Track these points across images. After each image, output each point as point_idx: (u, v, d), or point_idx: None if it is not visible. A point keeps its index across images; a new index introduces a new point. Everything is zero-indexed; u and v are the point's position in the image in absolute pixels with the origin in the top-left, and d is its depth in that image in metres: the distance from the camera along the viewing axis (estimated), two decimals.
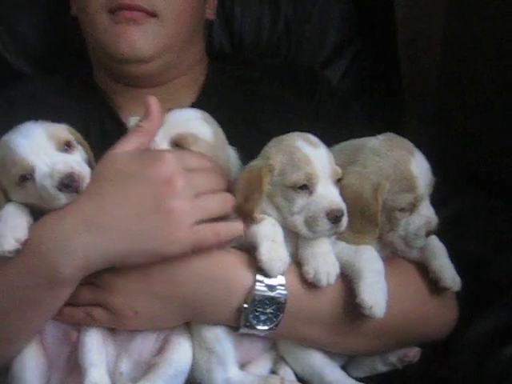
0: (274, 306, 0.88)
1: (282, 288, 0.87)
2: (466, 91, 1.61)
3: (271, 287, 0.87)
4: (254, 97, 1.19)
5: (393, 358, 1.02)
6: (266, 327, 0.88)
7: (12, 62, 1.37)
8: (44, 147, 0.85)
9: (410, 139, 0.97)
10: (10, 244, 0.82)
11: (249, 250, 0.89)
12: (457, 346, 1.02)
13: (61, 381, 0.92)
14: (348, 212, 0.89)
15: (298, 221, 0.89)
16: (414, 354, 1.01)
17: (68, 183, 0.83)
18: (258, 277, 0.87)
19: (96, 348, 0.89)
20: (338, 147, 0.98)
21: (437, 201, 0.96)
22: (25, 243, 0.84)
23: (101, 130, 1.15)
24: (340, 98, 1.25)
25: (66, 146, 0.88)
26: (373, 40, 1.48)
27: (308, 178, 0.88)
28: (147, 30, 1.09)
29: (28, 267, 0.85)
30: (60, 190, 0.83)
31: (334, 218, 0.87)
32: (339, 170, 0.92)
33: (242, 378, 0.91)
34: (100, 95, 1.21)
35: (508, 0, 1.38)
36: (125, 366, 0.90)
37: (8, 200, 0.88)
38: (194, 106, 1.11)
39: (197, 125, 0.95)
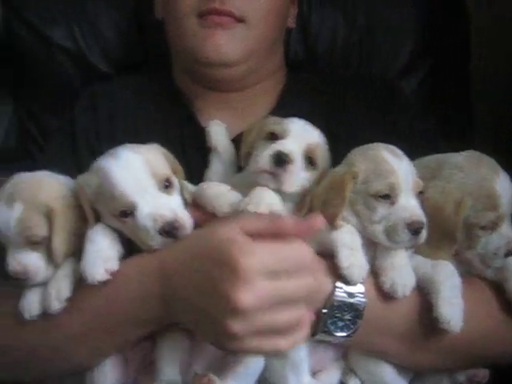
0: (353, 313, 0.87)
1: (361, 296, 0.87)
2: None
3: (350, 294, 0.87)
4: (331, 108, 1.18)
5: (461, 377, 1.00)
6: (343, 333, 0.88)
7: (94, 63, 1.40)
8: (146, 185, 0.85)
9: None
10: (101, 274, 0.84)
11: (328, 255, 0.89)
12: None
13: (133, 381, 0.93)
14: (427, 226, 0.88)
15: (378, 230, 0.89)
16: (483, 374, 0.99)
17: (169, 230, 0.83)
18: (338, 283, 0.87)
19: (171, 349, 0.90)
20: (420, 161, 0.97)
21: None
22: (114, 274, 0.85)
23: (180, 133, 1.17)
24: (415, 111, 1.23)
25: (167, 183, 0.87)
26: (445, 55, 1.46)
27: (391, 188, 0.88)
28: (234, 35, 1.10)
29: (116, 304, 0.87)
30: (160, 234, 0.83)
31: (415, 229, 0.88)
32: (421, 183, 0.92)
33: None
34: (180, 98, 1.22)
35: None
36: (199, 365, 0.91)
37: (98, 219, 0.88)
38: (272, 113, 1.12)
39: (314, 133, 0.98)
